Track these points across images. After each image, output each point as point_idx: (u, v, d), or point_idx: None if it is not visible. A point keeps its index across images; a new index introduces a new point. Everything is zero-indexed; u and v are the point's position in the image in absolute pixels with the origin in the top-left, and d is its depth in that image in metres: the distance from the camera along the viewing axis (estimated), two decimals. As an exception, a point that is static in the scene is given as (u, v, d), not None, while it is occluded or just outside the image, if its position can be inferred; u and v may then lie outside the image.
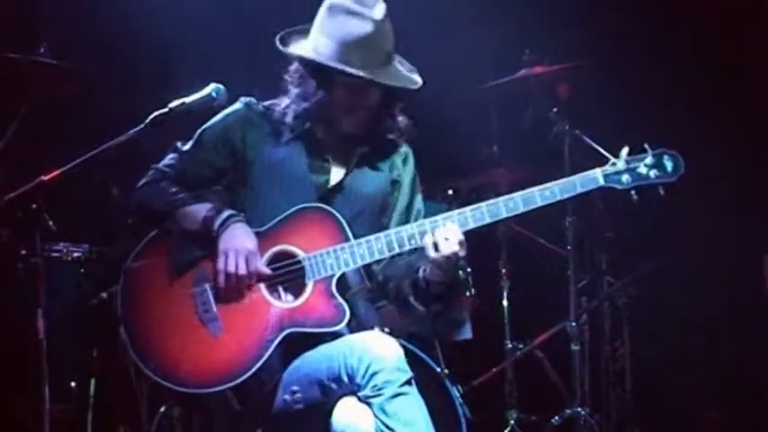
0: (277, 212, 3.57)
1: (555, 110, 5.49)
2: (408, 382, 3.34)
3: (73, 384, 4.93)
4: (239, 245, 3.47)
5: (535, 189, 3.49)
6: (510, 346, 5.70)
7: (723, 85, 5.98)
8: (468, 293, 5.40)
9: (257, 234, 3.54)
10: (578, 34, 6.02)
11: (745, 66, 5.95)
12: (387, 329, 3.84)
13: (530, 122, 5.74)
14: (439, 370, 4.42)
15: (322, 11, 3.62)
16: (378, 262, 3.64)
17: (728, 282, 5.94)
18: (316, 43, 3.60)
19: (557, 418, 5.39)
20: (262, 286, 3.50)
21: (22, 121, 5.14)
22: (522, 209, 3.49)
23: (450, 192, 5.61)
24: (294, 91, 3.65)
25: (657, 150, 3.54)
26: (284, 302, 3.50)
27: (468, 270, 5.41)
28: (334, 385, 3.39)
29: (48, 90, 5.17)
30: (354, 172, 3.71)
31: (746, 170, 5.96)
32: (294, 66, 3.66)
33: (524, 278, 5.85)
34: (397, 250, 3.51)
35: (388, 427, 3.29)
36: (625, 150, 3.55)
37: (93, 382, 4.91)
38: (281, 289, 3.53)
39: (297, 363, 3.48)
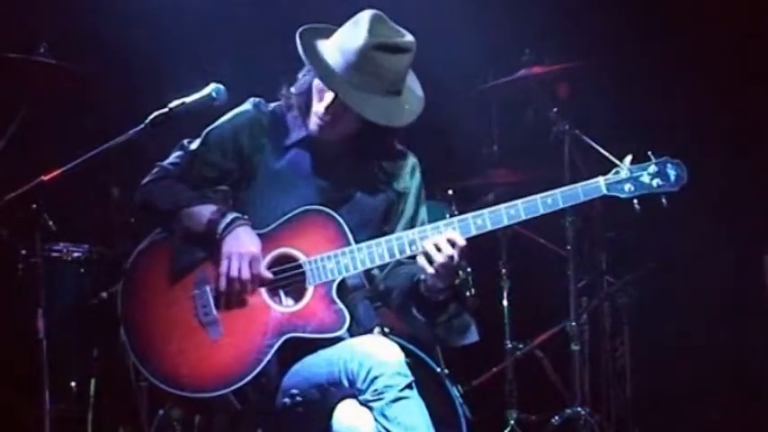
0: (280, 215, 3.56)
1: (555, 110, 5.49)
2: (409, 387, 3.34)
3: (73, 384, 4.92)
4: (243, 249, 3.46)
5: (537, 197, 3.47)
6: (510, 346, 5.70)
7: (723, 84, 5.97)
8: (468, 293, 5.40)
9: (259, 236, 3.53)
10: (578, 34, 6.02)
11: (746, 65, 5.95)
12: (386, 329, 3.84)
13: (530, 122, 5.74)
14: (439, 370, 4.42)
15: (349, 22, 3.57)
16: (380, 268, 3.63)
17: (728, 282, 5.94)
18: (326, 46, 3.56)
19: (557, 418, 5.39)
20: (262, 290, 3.49)
21: (22, 121, 5.14)
22: (523, 216, 3.47)
23: (451, 192, 5.61)
24: (297, 78, 3.62)
25: (661, 159, 3.51)
26: (284, 307, 3.49)
27: (468, 270, 5.40)
28: (334, 389, 3.39)
29: (48, 90, 5.18)
30: (362, 181, 3.68)
31: (746, 170, 5.96)
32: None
33: (524, 278, 5.85)
34: (398, 256, 3.50)
35: (388, 431, 3.28)
36: (628, 158, 3.53)
37: (93, 382, 4.91)
38: (281, 292, 3.53)
39: (297, 367, 3.47)
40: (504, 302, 5.75)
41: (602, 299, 5.78)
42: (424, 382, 3.51)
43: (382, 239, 3.51)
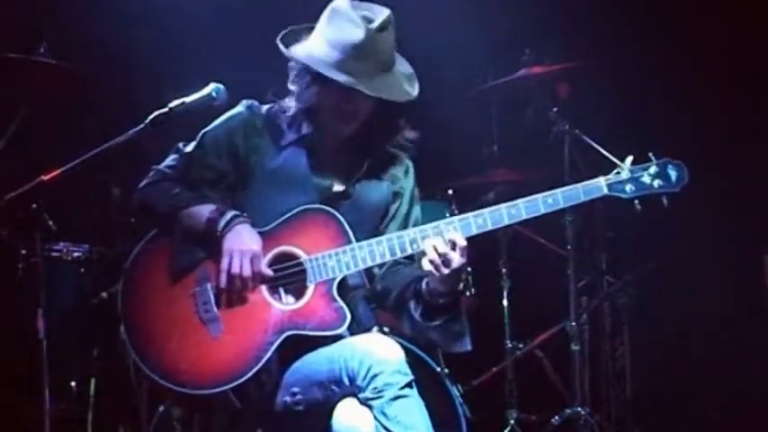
0: (279, 215, 3.56)
1: (555, 110, 5.49)
2: (409, 385, 3.33)
3: (73, 384, 4.93)
4: (244, 246, 3.46)
5: (538, 196, 3.47)
6: (510, 345, 5.70)
7: (723, 84, 5.98)
8: (468, 293, 5.40)
9: (259, 234, 3.53)
10: (578, 34, 6.03)
11: (746, 65, 5.95)
12: (386, 329, 3.84)
13: (530, 122, 5.74)
14: (439, 370, 4.43)
15: (325, 13, 3.62)
16: (379, 266, 3.63)
17: (728, 282, 5.94)
18: (312, 45, 3.60)
19: (557, 418, 5.39)
20: (263, 287, 3.49)
21: (22, 121, 5.14)
22: (524, 216, 3.47)
23: (450, 192, 5.61)
24: (292, 89, 3.65)
25: (662, 160, 3.52)
26: (285, 304, 3.50)
27: (469, 270, 5.41)
28: (334, 387, 3.39)
29: (48, 90, 5.18)
30: (361, 180, 3.69)
31: (746, 170, 5.96)
32: (292, 64, 3.66)
33: (524, 278, 5.85)
34: (398, 254, 3.50)
35: (387, 429, 3.28)
36: (629, 159, 3.53)
37: (93, 382, 4.91)
38: (281, 290, 3.53)
39: (297, 364, 3.47)
40: (504, 302, 5.76)
41: (602, 299, 5.79)
42: (424, 381, 3.51)
43: (383, 237, 3.52)
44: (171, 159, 3.68)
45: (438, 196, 5.59)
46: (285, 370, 3.47)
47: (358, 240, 3.52)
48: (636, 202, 3.51)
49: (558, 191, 3.48)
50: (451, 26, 6.02)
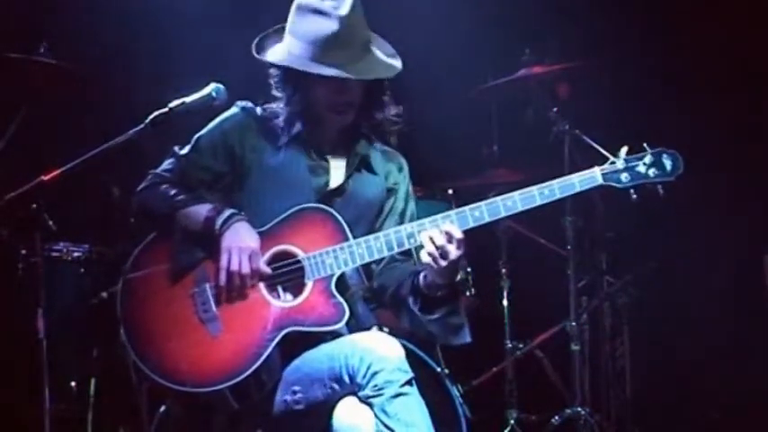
0: (276, 215, 3.56)
1: (555, 110, 5.49)
2: (409, 383, 3.34)
3: (73, 384, 4.93)
4: (242, 243, 3.47)
5: (534, 188, 3.48)
6: (510, 345, 5.70)
7: (723, 84, 5.98)
8: (468, 293, 5.40)
9: (257, 234, 3.54)
10: (578, 34, 6.02)
11: (745, 65, 5.95)
12: (386, 329, 3.84)
13: (530, 122, 5.74)
14: (439, 369, 4.42)
15: (292, 12, 3.62)
16: (377, 262, 3.64)
17: (728, 282, 5.94)
18: (288, 46, 3.61)
19: (557, 418, 5.39)
20: (261, 286, 3.50)
21: (22, 121, 5.14)
22: (520, 208, 3.48)
23: (450, 192, 5.61)
24: (278, 96, 3.65)
25: (656, 149, 3.53)
26: (284, 301, 3.50)
27: (468, 270, 5.41)
28: (335, 385, 3.39)
29: (48, 90, 5.18)
30: (354, 176, 3.71)
31: (746, 170, 5.96)
32: (273, 71, 3.66)
33: (524, 278, 5.85)
34: (396, 249, 3.51)
35: (388, 427, 3.28)
36: (624, 149, 3.54)
37: (93, 382, 4.91)
38: (280, 289, 3.53)
39: (297, 362, 3.48)
40: (504, 302, 5.76)
41: (602, 299, 5.79)
42: (424, 381, 3.51)
43: (380, 233, 3.53)
44: (168, 163, 3.69)
45: (438, 196, 5.59)
46: (285, 368, 3.47)
47: (355, 237, 3.52)
48: (632, 191, 3.51)
49: (553, 182, 3.48)
50: (451, 26, 6.02)
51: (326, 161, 3.71)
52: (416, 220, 3.56)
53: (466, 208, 3.49)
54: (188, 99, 3.55)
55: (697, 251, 5.89)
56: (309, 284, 3.49)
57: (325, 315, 3.47)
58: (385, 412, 3.29)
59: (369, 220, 3.71)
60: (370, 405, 3.32)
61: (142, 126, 3.48)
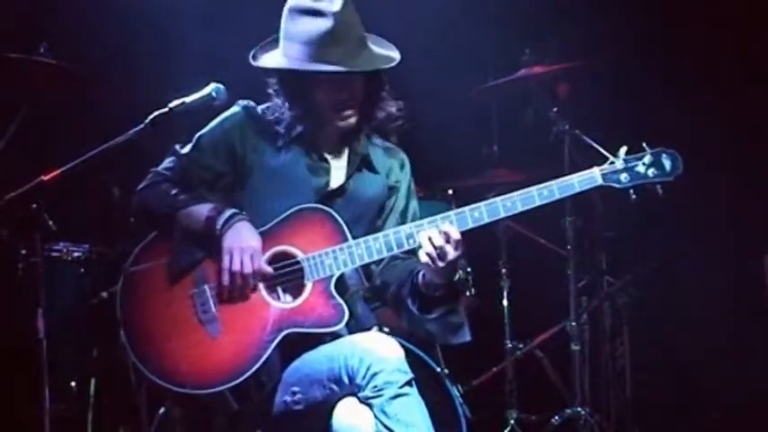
0: (276, 215, 3.56)
1: (555, 110, 5.49)
2: (409, 384, 3.34)
3: (73, 384, 4.93)
4: (244, 243, 3.47)
5: (533, 188, 3.48)
6: (510, 345, 5.70)
7: (723, 84, 5.98)
8: (468, 293, 5.40)
9: (257, 234, 3.54)
10: (578, 34, 6.02)
11: (745, 65, 5.95)
12: (386, 329, 3.84)
13: (530, 122, 5.74)
14: (439, 370, 4.42)
15: (284, 17, 3.61)
16: (377, 263, 3.64)
17: (728, 282, 5.94)
18: (284, 50, 3.60)
19: (557, 418, 5.39)
20: (261, 287, 3.50)
21: (22, 121, 5.14)
22: (520, 208, 3.48)
23: (450, 192, 5.61)
24: (278, 101, 3.64)
25: (656, 150, 3.53)
26: (283, 303, 3.50)
27: (468, 270, 5.41)
28: (334, 386, 3.39)
29: (48, 90, 5.18)
30: (355, 175, 3.71)
31: (746, 170, 5.96)
32: (271, 79, 3.65)
33: (524, 278, 5.85)
34: (395, 250, 3.51)
35: (387, 428, 3.29)
36: (623, 149, 3.54)
37: (93, 382, 4.91)
38: (279, 290, 3.53)
39: (297, 363, 3.47)
40: (504, 302, 5.76)
41: (602, 299, 5.79)
42: (424, 381, 3.51)
43: (380, 234, 3.53)
44: (168, 161, 3.69)
45: (438, 196, 5.59)
46: (285, 369, 3.47)
47: (356, 236, 3.53)
48: (631, 191, 3.51)
49: (552, 182, 3.48)
50: (452, 26, 6.02)
51: (327, 162, 3.71)
52: (417, 219, 3.56)
53: (465, 208, 3.49)
54: (188, 99, 3.55)
55: (697, 251, 5.89)
56: (309, 285, 3.49)
57: (325, 316, 3.47)
58: (385, 413, 3.29)
59: (370, 219, 3.71)
60: (370, 406, 3.32)
61: (142, 126, 3.49)
